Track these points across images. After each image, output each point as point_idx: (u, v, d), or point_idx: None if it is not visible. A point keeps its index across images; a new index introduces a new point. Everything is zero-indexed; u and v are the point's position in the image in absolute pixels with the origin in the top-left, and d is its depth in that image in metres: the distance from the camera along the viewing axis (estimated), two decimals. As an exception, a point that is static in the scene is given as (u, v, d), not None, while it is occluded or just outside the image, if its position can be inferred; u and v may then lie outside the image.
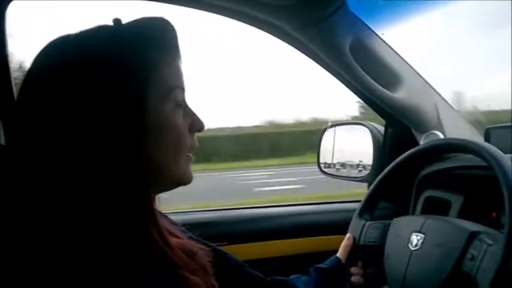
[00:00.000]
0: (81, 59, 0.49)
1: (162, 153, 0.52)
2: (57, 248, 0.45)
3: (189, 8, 0.97)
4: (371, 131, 1.20)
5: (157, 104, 0.52)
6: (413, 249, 0.75)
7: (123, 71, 0.49)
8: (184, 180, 0.57)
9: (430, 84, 1.04)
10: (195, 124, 0.57)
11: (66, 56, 0.50)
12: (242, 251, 1.03)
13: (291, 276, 0.84)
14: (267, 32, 1.01)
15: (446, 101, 1.04)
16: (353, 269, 0.88)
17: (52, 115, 0.48)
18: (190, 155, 0.57)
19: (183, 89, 0.56)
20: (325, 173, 1.32)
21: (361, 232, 0.89)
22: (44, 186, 0.47)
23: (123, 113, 0.48)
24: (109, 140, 0.48)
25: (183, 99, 0.56)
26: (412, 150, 0.88)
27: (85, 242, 0.46)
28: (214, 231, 1.08)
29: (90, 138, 0.47)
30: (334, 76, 1.09)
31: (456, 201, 0.92)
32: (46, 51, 0.52)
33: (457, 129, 1.04)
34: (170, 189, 0.57)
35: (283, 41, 1.03)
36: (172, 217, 0.70)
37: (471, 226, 0.70)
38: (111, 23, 0.53)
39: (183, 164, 0.55)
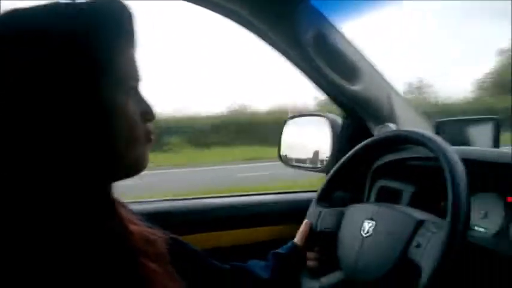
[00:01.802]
0: (29, 35, 0.46)
1: (114, 141, 0.51)
2: (23, 236, 0.44)
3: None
4: (330, 122, 1.22)
5: (109, 90, 0.50)
6: (364, 235, 0.78)
7: (73, 49, 0.47)
8: (138, 168, 0.56)
9: (385, 78, 1.07)
10: (147, 113, 0.56)
11: (12, 30, 0.47)
12: (200, 240, 1.03)
13: (249, 262, 0.85)
14: (238, 23, 1.00)
15: (400, 95, 1.08)
16: (309, 254, 0.90)
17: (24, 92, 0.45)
18: (151, 138, 0.56)
19: (136, 77, 0.54)
20: (286, 163, 1.34)
21: (317, 219, 0.91)
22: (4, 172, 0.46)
23: (72, 95, 0.47)
24: (58, 124, 0.46)
25: (136, 87, 0.55)
26: (365, 141, 0.91)
27: (44, 230, 0.45)
28: (173, 221, 1.07)
29: (36, 121, 0.45)
30: (296, 67, 1.09)
31: (407, 191, 0.96)
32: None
33: (409, 122, 1.08)
34: (126, 177, 0.55)
35: (246, 28, 1.02)
36: (133, 206, 0.69)
37: (419, 215, 0.73)
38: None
39: (137, 153, 0.54)
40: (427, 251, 0.65)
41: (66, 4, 0.50)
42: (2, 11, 0.49)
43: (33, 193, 0.46)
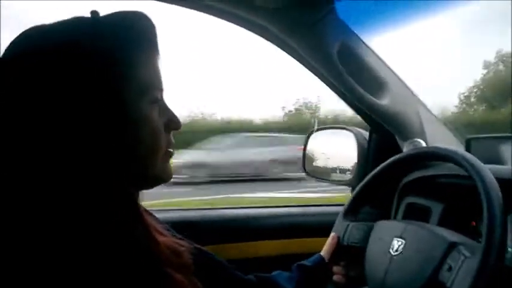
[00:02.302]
0: (56, 50, 0.48)
1: (139, 150, 0.52)
2: (41, 245, 0.44)
3: (178, 7, 0.96)
4: (355, 136, 1.21)
5: (134, 100, 0.51)
6: (393, 254, 0.76)
7: (99, 63, 0.48)
8: (163, 177, 0.57)
9: (413, 92, 1.06)
10: (172, 122, 0.57)
11: (40, 46, 0.48)
12: (226, 251, 1.03)
13: (274, 273, 0.85)
14: (256, 33, 1.01)
15: (428, 110, 1.06)
16: (335, 268, 0.89)
17: (24, 107, 0.47)
18: (170, 150, 0.57)
19: (160, 87, 0.55)
20: (310, 175, 1.33)
21: (345, 232, 0.90)
22: (22, 182, 0.46)
23: (98, 106, 0.47)
24: (83, 135, 0.47)
25: (160, 97, 0.56)
26: (395, 157, 0.89)
27: (69, 240, 0.45)
28: (198, 231, 1.08)
29: (63, 132, 0.47)
30: (321, 80, 1.09)
31: (437, 209, 0.93)
32: (19, 41, 0.50)
33: (438, 138, 1.05)
34: (151, 186, 0.57)
35: (272, 43, 1.03)
36: (158, 215, 0.70)
37: (451, 236, 0.72)
38: (88, 15, 0.51)
39: (161, 161, 0.55)
40: (459, 276, 0.63)
41: (90, 18, 0.51)
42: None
43: (57, 201, 0.46)
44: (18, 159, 0.47)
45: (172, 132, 0.58)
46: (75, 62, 0.47)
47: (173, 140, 0.58)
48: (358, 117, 1.15)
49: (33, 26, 0.50)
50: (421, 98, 1.07)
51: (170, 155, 0.57)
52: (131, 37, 0.51)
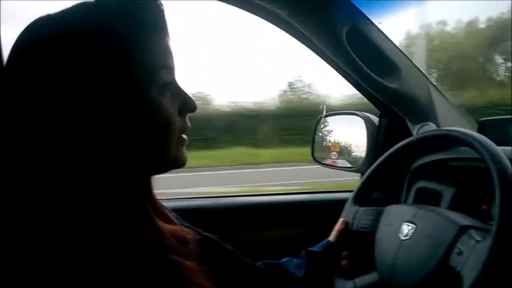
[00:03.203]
0: (63, 40, 0.47)
1: (151, 135, 0.51)
2: (46, 228, 0.45)
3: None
4: (365, 121, 1.19)
5: (144, 83, 0.50)
6: (403, 238, 0.75)
7: (106, 49, 0.47)
8: (177, 163, 0.56)
9: (424, 75, 1.03)
10: (186, 105, 0.56)
11: (50, 34, 0.48)
12: (235, 239, 1.03)
13: (283, 259, 0.85)
14: (262, 17, 1.00)
15: (441, 92, 1.04)
16: (344, 254, 0.89)
17: (37, 97, 0.46)
18: (184, 136, 0.56)
19: (171, 69, 0.54)
20: (319, 162, 1.32)
21: (354, 218, 0.89)
22: (34, 171, 0.47)
23: (108, 91, 0.47)
24: (97, 121, 0.47)
25: (173, 79, 0.54)
26: (405, 141, 0.88)
27: (81, 228, 0.45)
28: (208, 219, 1.08)
29: (75, 119, 0.46)
30: (329, 64, 1.07)
31: (447, 193, 0.92)
32: (29, 30, 0.50)
33: (451, 121, 1.03)
34: (164, 172, 0.56)
35: (278, 27, 1.01)
36: (164, 203, 0.69)
37: (461, 220, 0.70)
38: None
39: (174, 147, 0.54)
40: (470, 261, 0.62)
41: (95, 3, 0.50)
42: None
43: (64, 187, 0.46)
44: (25, 145, 0.47)
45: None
46: (83, 50, 0.47)
47: (189, 124, 0.57)
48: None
49: (40, 16, 0.50)
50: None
51: (183, 139, 0.56)
52: (137, 19, 0.50)
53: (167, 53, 0.54)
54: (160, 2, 0.53)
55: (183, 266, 0.52)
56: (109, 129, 0.47)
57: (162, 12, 0.54)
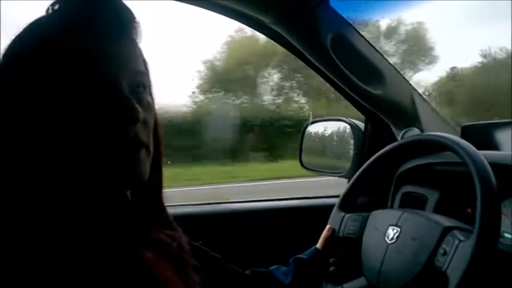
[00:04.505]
0: (31, 52, 0.47)
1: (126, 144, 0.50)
2: (43, 239, 0.44)
3: (170, 0, 0.95)
4: (351, 127, 1.21)
5: (124, 89, 0.49)
6: (389, 242, 0.76)
7: (70, 59, 0.46)
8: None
9: (407, 81, 1.05)
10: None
11: (18, 51, 0.49)
12: (223, 246, 1.03)
13: (271, 267, 0.85)
14: (248, 25, 1.01)
15: (423, 98, 1.06)
16: (331, 260, 0.89)
17: (23, 107, 0.47)
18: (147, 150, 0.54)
19: (141, 73, 0.52)
20: (307, 168, 1.33)
21: (340, 224, 0.90)
22: (25, 179, 0.47)
23: (78, 102, 0.46)
24: (80, 126, 0.46)
25: (147, 84, 0.53)
26: (389, 146, 0.89)
27: (72, 225, 0.46)
28: (196, 226, 1.07)
29: (50, 134, 0.46)
30: (315, 71, 1.09)
31: (433, 197, 0.93)
32: (21, 36, 0.50)
33: (434, 126, 1.05)
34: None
35: (264, 34, 1.03)
36: None
37: (445, 221, 0.71)
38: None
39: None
40: (454, 260, 0.63)
41: (53, 12, 0.50)
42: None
43: (50, 199, 0.46)
44: (9, 162, 0.47)
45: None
46: (51, 62, 0.46)
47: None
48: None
49: (16, 32, 0.50)
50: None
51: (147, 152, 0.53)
52: (97, 23, 0.48)
53: (134, 57, 0.52)
54: (123, 4, 0.51)
55: (163, 268, 0.51)
56: (82, 140, 0.47)
57: (126, 14, 0.51)
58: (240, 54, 9.43)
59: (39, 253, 0.44)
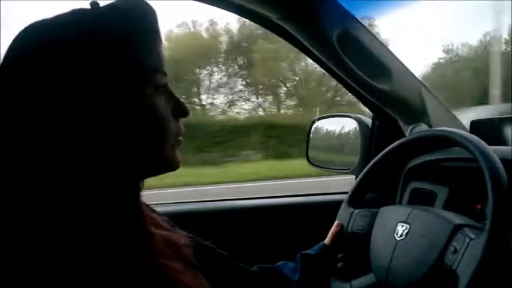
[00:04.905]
0: (60, 43, 0.47)
1: (145, 138, 0.51)
2: (47, 231, 0.45)
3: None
4: (359, 123, 1.20)
5: (139, 88, 0.50)
6: (398, 239, 0.76)
7: (102, 55, 0.48)
8: (170, 166, 0.56)
9: (416, 76, 1.04)
10: (178, 109, 0.56)
11: (44, 40, 0.48)
12: (230, 243, 1.03)
13: (278, 263, 0.85)
14: (254, 21, 1.01)
15: (432, 93, 1.04)
16: (340, 256, 0.89)
17: (30, 102, 0.47)
18: (179, 139, 0.56)
19: (164, 73, 0.55)
20: (314, 165, 1.32)
21: (349, 220, 0.89)
22: (26, 174, 0.47)
23: (104, 97, 0.48)
24: (90, 124, 0.47)
25: (165, 84, 0.55)
26: (397, 142, 0.88)
27: (69, 230, 0.45)
28: (202, 223, 1.08)
29: (69, 123, 0.46)
30: (322, 67, 1.08)
31: (442, 193, 0.92)
32: (23, 36, 0.50)
33: (443, 121, 1.04)
34: (158, 174, 0.56)
35: (270, 30, 1.02)
36: (159, 208, 0.69)
37: (456, 218, 0.71)
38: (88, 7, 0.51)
39: (168, 150, 0.54)
40: (465, 258, 0.62)
41: (91, 9, 0.51)
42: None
43: (59, 192, 0.47)
44: (21, 151, 0.47)
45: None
46: (78, 57, 0.47)
47: (183, 128, 0.57)
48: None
49: (34, 22, 0.50)
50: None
51: (179, 143, 0.57)
52: (134, 25, 0.51)
53: (161, 57, 0.54)
54: (152, 8, 0.54)
55: (171, 267, 0.52)
56: (107, 130, 0.48)
57: (155, 17, 0.54)
58: (180, 51, 9.40)
59: (44, 251, 0.44)
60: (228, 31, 9.82)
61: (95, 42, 0.48)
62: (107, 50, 0.48)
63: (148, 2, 0.54)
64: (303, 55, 1.07)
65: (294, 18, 0.93)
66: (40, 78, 0.47)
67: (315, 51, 1.01)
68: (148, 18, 0.53)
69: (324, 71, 1.08)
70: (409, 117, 1.05)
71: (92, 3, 0.51)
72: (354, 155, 1.21)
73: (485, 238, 0.60)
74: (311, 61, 1.07)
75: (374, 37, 1.00)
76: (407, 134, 1.05)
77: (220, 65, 9.74)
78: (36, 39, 0.49)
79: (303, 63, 10.27)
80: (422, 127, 1.02)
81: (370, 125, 1.19)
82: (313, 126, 1.31)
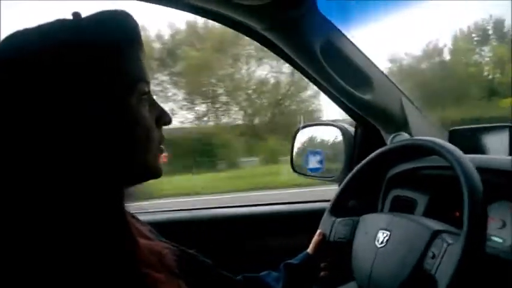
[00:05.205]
0: (41, 53, 0.47)
1: (129, 146, 0.52)
2: (32, 244, 0.45)
3: (162, 6, 0.96)
4: (342, 132, 1.22)
5: (122, 97, 0.51)
6: (379, 246, 0.77)
7: (85, 64, 0.48)
8: (154, 174, 0.56)
9: (396, 86, 1.06)
10: (162, 117, 0.57)
11: (25, 50, 0.48)
12: (214, 251, 1.03)
13: (262, 273, 0.85)
14: (238, 31, 1.02)
15: (412, 103, 1.07)
16: (322, 265, 0.89)
17: (11, 111, 0.47)
18: (162, 147, 0.57)
19: (147, 82, 0.55)
20: (298, 173, 1.33)
21: (331, 228, 0.90)
22: (11, 181, 0.47)
23: (87, 106, 0.48)
24: (73, 134, 0.47)
25: (148, 92, 0.55)
26: (378, 150, 0.90)
27: (53, 235, 0.46)
28: (184, 232, 1.07)
29: (52, 132, 0.47)
30: (305, 76, 1.10)
31: (422, 201, 0.94)
32: (4, 45, 0.50)
33: (423, 130, 1.06)
34: (139, 182, 0.56)
35: (254, 40, 1.03)
36: (142, 217, 0.69)
37: (434, 225, 0.72)
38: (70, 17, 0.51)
39: (152, 158, 0.55)
40: (443, 263, 0.64)
41: (72, 20, 0.51)
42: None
43: (45, 195, 0.47)
44: (6, 162, 0.47)
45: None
46: (61, 65, 0.47)
47: (164, 136, 0.58)
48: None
49: (16, 31, 0.50)
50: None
51: (161, 150, 0.57)
52: (115, 37, 0.51)
53: (143, 65, 0.55)
54: (134, 18, 0.54)
55: (153, 276, 0.52)
56: (91, 139, 0.48)
57: (137, 27, 0.55)
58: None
59: (40, 251, 0.44)
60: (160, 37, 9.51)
61: (76, 52, 0.48)
62: (89, 60, 0.48)
63: (129, 12, 0.54)
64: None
65: (278, 29, 0.95)
66: (20, 86, 0.47)
67: (298, 61, 1.02)
68: (130, 29, 0.54)
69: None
70: (390, 126, 1.07)
71: (73, 14, 0.51)
72: (337, 162, 1.23)
73: (462, 243, 0.62)
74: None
75: (356, 48, 1.02)
76: (388, 142, 1.07)
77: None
78: (17, 48, 0.49)
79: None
80: (403, 136, 1.04)
81: (353, 133, 1.21)
82: (298, 134, 1.33)
